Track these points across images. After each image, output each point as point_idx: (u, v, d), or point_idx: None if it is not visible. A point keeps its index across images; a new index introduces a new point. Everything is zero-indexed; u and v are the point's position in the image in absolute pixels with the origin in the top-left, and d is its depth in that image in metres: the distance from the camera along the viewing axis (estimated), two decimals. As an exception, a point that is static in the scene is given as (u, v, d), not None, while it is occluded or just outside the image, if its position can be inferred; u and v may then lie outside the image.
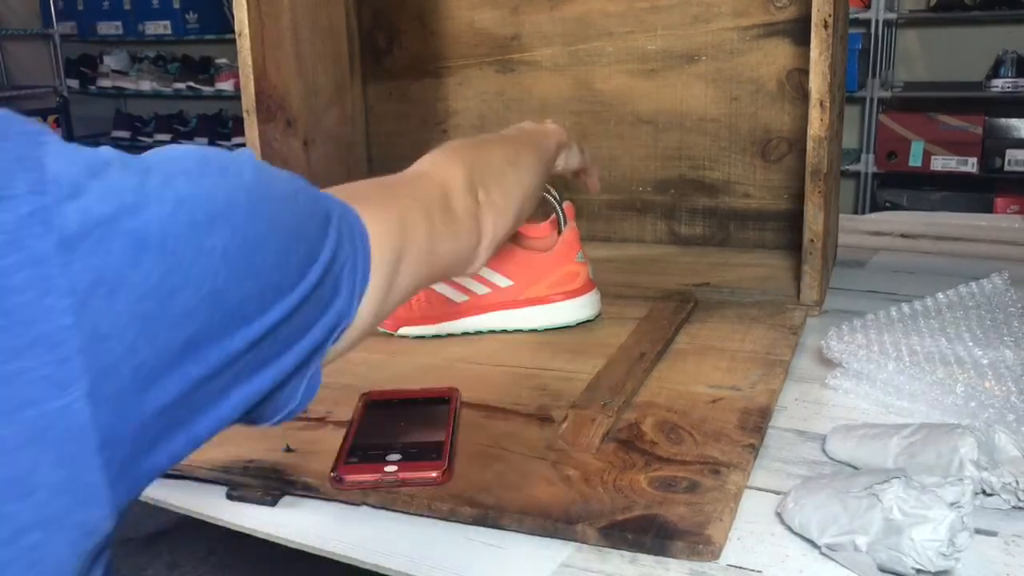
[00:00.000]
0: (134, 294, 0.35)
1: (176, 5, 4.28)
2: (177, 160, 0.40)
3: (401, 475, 0.63)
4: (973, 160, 2.99)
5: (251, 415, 0.44)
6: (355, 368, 0.85)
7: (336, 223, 0.47)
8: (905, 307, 0.86)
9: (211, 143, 4.35)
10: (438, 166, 0.65)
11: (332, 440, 0.70)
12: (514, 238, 0.95)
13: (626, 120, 1.25)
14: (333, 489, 0.64)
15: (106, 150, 0.38)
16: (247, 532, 0.63)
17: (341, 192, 0.52)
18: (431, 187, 0.62)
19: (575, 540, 0.58)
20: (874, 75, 3.10)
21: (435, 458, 0.64)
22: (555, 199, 0.96)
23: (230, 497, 0.66)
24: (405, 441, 0.68)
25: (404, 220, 0.55)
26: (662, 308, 0.96)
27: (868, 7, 3.05)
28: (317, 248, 0.45)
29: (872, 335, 0.79)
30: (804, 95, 0.93)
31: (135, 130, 4.59)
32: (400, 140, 1.37)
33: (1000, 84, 2.92)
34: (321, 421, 0.74)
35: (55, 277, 0.33)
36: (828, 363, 0.80)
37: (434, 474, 0.63)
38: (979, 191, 3.02)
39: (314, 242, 0.45)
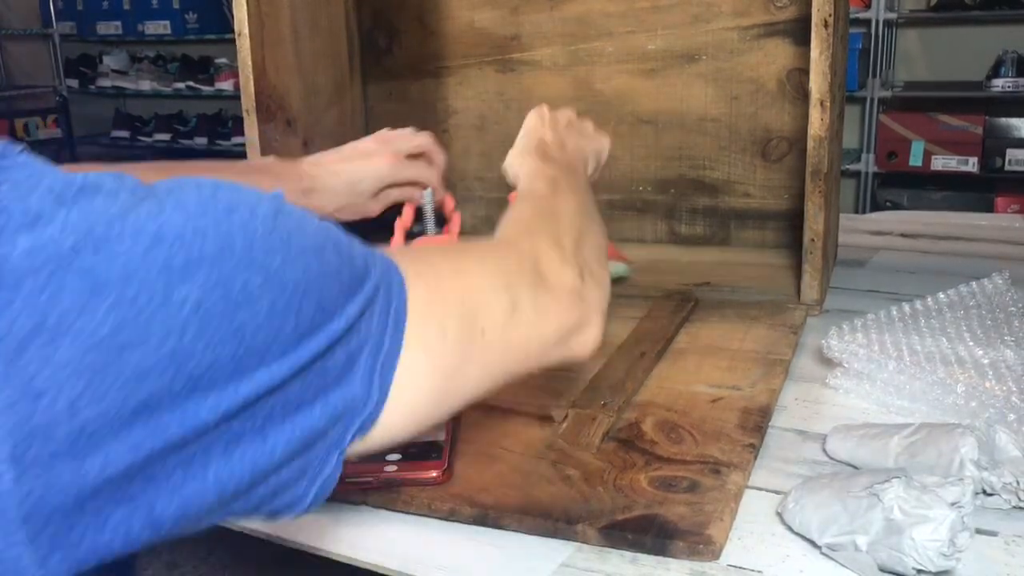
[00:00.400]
0: (80, 345, 0.30)
1: (176, 5, 4.28)
2: (184, 190, 0.35)
3: (401, 474, 0.63)
4: (973, 160, 2.99)
5: (251, 507, 0.38)
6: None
7: (369, 292, 0.41)
8: (906, 307, 0.86)
9: (211, 143, 4.36)
10: (523, 232, 0.57)
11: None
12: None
13: (626, 120, 1.25)
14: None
15: (100, 175, 0.34)
16: (247, 532, 0.63)
17: (403, 256, 0.45)
18: (518, 258, 0.53)
19: (575, 540, 0.58)
20: (874, 75, 3.10)
21: (435, 458, 0.64)
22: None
23: (230, 497, 0.66)
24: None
25: (475, 295, 0.47)
26: (662, 308, 0.96)
27: (868, 7, 3.05)
28: (330, 314, 0.38)
29: (872, 335, 0.79)
30: (804, 95, 0.93)
31: (135, 130, 4.59)
32: (400, 140, 1.37)
33: (1000, 84, 2.92)
34: (321, 421, 0.74)
35: None
36: (828, 363, 0.80)
37: (434, 474, 0.63)
38: (979, 191, 3.02)
39: (328, 306, 0.38)
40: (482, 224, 0.90)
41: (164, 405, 0.32)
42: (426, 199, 0.92)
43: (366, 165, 0.86)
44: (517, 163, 0.75)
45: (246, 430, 0.36)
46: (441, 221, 0.95)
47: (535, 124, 0.79)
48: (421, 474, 0.63)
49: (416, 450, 0.65)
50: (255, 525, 0.63)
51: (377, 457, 0.65)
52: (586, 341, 0.56)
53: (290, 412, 0.37)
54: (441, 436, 0.68)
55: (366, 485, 0.63)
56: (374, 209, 0.89)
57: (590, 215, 0.65)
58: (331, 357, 0.38)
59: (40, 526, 0.30)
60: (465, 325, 0.46)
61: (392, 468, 0.63)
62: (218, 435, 0.35)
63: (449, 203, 0.94)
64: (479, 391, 0.48)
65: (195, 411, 0.33)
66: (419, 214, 0.94)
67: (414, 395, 0.43)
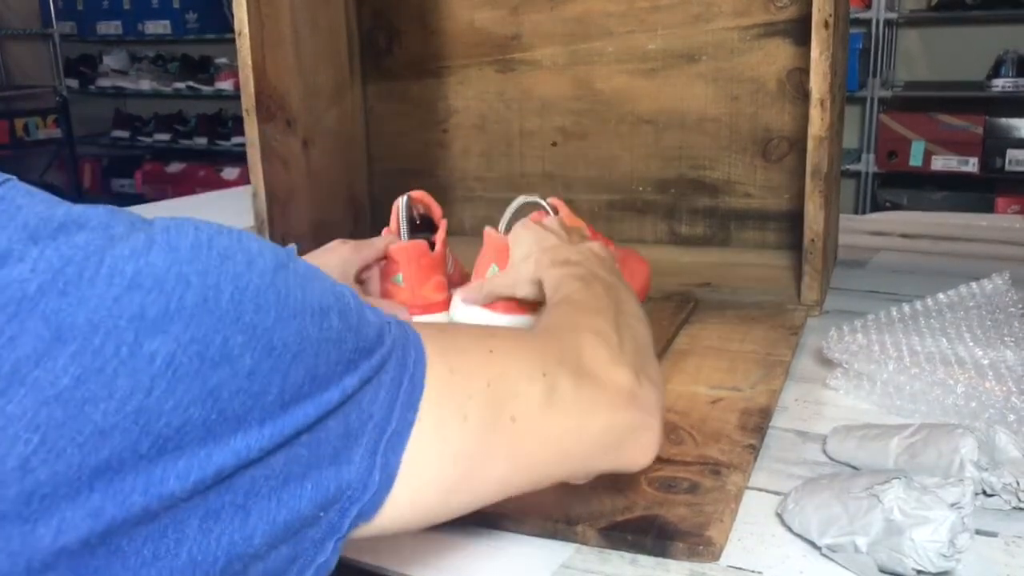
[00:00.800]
0: (37, 397, 0.28)
1: (176, 5, 4.28)
2: (181, 230, 0.32)
3: None
4: (974, 160, 2.99)
5: None
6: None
7: (376, 364, 0.37)
8: (906, 307, 0.86)
9: (210, 143, 4.36)
10: (564, 326, 0.52)
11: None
12: None
13: (626, 120, 1.25)
14: None
15: (87, 209, 0.31)
16: (247, 533, 0.63)
17: (427, 330, 0.41)
18: (559, 346, 0.48)
19: (575, 541, 0.58)
20: (875, 75, 3.10)
21: None
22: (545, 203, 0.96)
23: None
24: None
25: (503, 378, 0.42)
26: (662, 308, 0.96)
27: (869, 7, 3.05)
28: (323, 383, 0.35)
29: (872, 335, 0.79)
30: (805, 95, 0.93)
31: (135, 130, 4.60)
32: (400, 140, 1.37)
33: (1001, 84, 2.92)
34: (321, 421, 0.74)
35: None
36: (828, 363, 0.80)
37: None
38: (980, 191, 3.02)
39: (322, 375, 0.35)
40: (481, 224, 0.89)
41: (127, 468, 0.29)
42: (400, 206, 0.91)
43: (326, 256, 0.81)
44: (534, 279, 0.69)
45: (224, 504, 0.32)
46: (431, 227, 0.93)
47: (534, 238, 0.72)
48: None
49: None
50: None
51: None
52: (645, 447, 0.50)
53: (275, 488, 0.34)
54: None
55: None
56: None
57: (635, 312, 0.60)
58: (323, 430, 0.35)
59: None
60: (491, 411, 0.41)
61: None
62: (192, 508, 0.31)
63: (436, 210, 0.94)
64: (508, 486, 0.43)
65: (161, 477, 0.30)
66: (410, 218, 0.94)
67: (419, 483, 0.39)
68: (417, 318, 0.85)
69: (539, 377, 0.44)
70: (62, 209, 0.31)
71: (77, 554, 0.29)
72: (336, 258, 0.81)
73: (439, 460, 0.39)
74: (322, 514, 0.36)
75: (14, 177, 0.31)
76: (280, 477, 0.34)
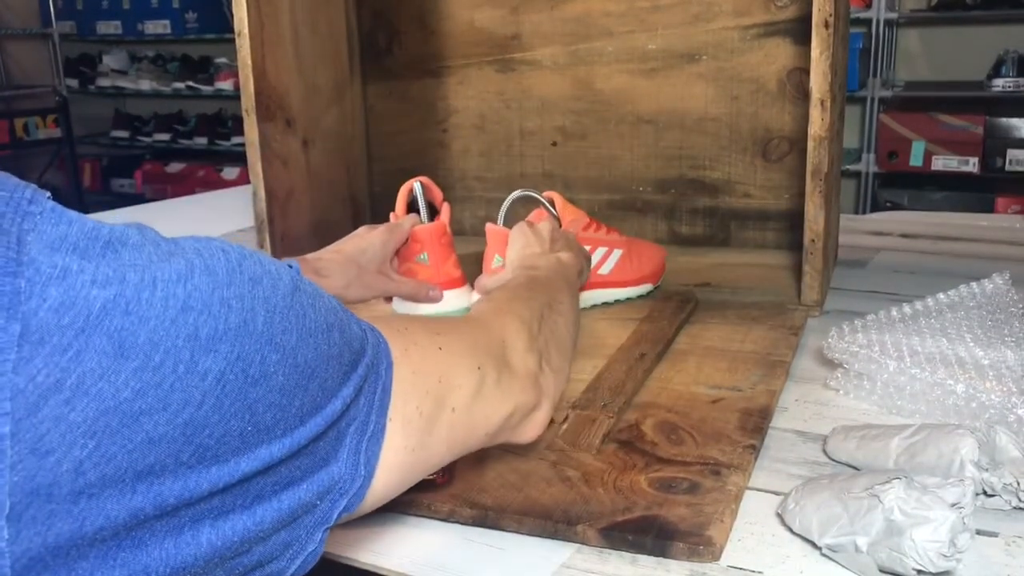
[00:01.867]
0: (98, 407, 0.29)
1: (175, 5, 4.28)
2: (212, 255, 0.34)
3: None
4: (974, 160, 2.99)
5: (242, 559, 0.37)
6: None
7: (362, 373, 0.41)
8: (906, 307, 0.86)
9: (210, 142, 4.36)
10: (495, 311, 0.59)
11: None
12: None
13: (626, 120, 1.25)
14: None
15: (125, 228, 0.33)
16: (246, 533, 0.63)
17: (392, 330, 0.46)
18: (487, 338, 0.55)
19: (575, 541, 0.58)
20: (875, 75, 3.10)
21: None
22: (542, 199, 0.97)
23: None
24: None
25: (450, 375, 0.48)
26: (662, 308, 0.96)
27: (869, 6, 3.05)
28: (330, 395, 0.38)
29: (873, 335, 0.79)
30: (805, 95, 0.93)
31: (134, 129, 4.60)
32: (400, 139, 1.37)
33: (1001, 84, 2.92)
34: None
35: (6, 374, 0.28)
36: (829, 363, 0.80)
37: (433, 476, 0.63)
38: (980, 191, 3.02)
39: (329, 387, 0.38)
40: (481, 224, 0.89)
41: (168, 473, 0.32)
42: (417, 191, 0.96)
43: (364, 238, 0.90)
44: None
45: (236, 506, 0.35)
46: (433, 212, 0.98)
47: (523, 242, 0.82)
48: None
49: None
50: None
51: None
52: (534, 424, 0.56)
53: (279, 490, 0.37)
54: None
55: None
56: (378, 286, 0.91)
57: (564, 312, 0.67)
58: (326, 438, 0.38)
59: None
60: (438, 404, 0.46)
61: None
62: (209, 508, 0.34)
63: (438, 194, 0.98)
64: (439, 464, 0.48)
65: (196, 482, 0.33)
66: (412, 206, 0.97)
67: (388, 471, 0.43)
68: (446, 292, 0.95)
69: (475, 370, 0.50)
70: (104, 226, 0.32)
71: (101, 540, 0.31)
72: (377, 240, 0.89)
73: (403, 451, 0.44)
74: (319, 502, 0.39)
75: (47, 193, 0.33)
76: (285, 482, 0.37)
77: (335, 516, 0.40)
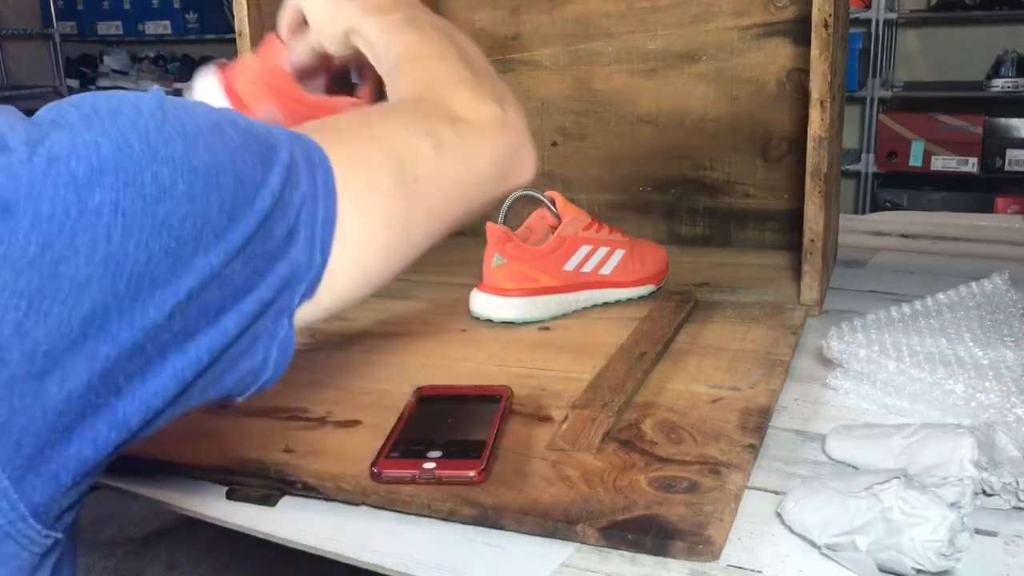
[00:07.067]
0: (12, 268, 0.31)
1: (176, 5, 4.28)
2: (63, 111, 0.35)
3: (438, 472, 0.63)
4: (973, 160, 2.99)
5: (211, 390, 0.39)
6: (353, 367, 0.85)
7: (285, 160, 0.41)
8: (905, 307, 0.86)
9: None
10: (420, 82, 0.55)
11: (332, 440, 0.70)
12: None
13: (626, 120, 1.25)
14: (372, 482, 0.63)
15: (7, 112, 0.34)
16: (247, 532, 0.63)
17: (310, 127, 0.45)
18: (424, 106, 0.53)
19: (575, 540, 0.58)
20: (874, 75, 3.10)
21: (475, 457, 0.64)
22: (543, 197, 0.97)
23: (230, 497, 0.66)
24: (449, 438, 0.67)
25: (396, 147, 0.47)
26: (662, 308, 0.96)
27: (868, 7, 3.05)
28: (254, 189, 0.38)
29: (872, 335, 0.79)
30: (804, 95, 0.93)
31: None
32: (400, 140, 1.37)
33: (1000, 84, 2.92)
34: (321, 421, 0.74)
35: None
36: (828, 363, 0.80)
37: (471, 473, 0.63)
38: (979, 191, 3.02)
39: (249, 182, 0.38)
40: (481, 224, 0.89)
41: (112, 310, 0.33)
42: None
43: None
44: (345, 32, 0.65)
45: (200, 325, 0.36)
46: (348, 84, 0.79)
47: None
48: (459, 472, 0.63)
49: (458, 448, 0.66)
50: (254, 525, 0.63)
51: (418, 453, 0.65)
52: (526, 164, 0.55)
53: (240, 296, 0.38)
54: (484, 435, 0.67)
55: (405, 480, 0.63)
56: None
57: (468, 42, 0.62)
58: (270, 236, 0.39)
59: (10, 449, 0.31)
60: (395, 176, 0.46)
61: (430, 465, 0.63)
62: (173, 330, 0.35)
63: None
64: (430, 238, 0.49)
65: (143, 311, 0.34)
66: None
67: (360, 253, 0.44)
68: None
69: (422, 135, 0.49)
70: None
71: (77, 396, 0.32)
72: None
73: (367, 229, 0.44)
74: (279, 295, 0.40)
75: None
76: (244, 288, 0.38)
77: (296, 301, 0.41)
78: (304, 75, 0.73)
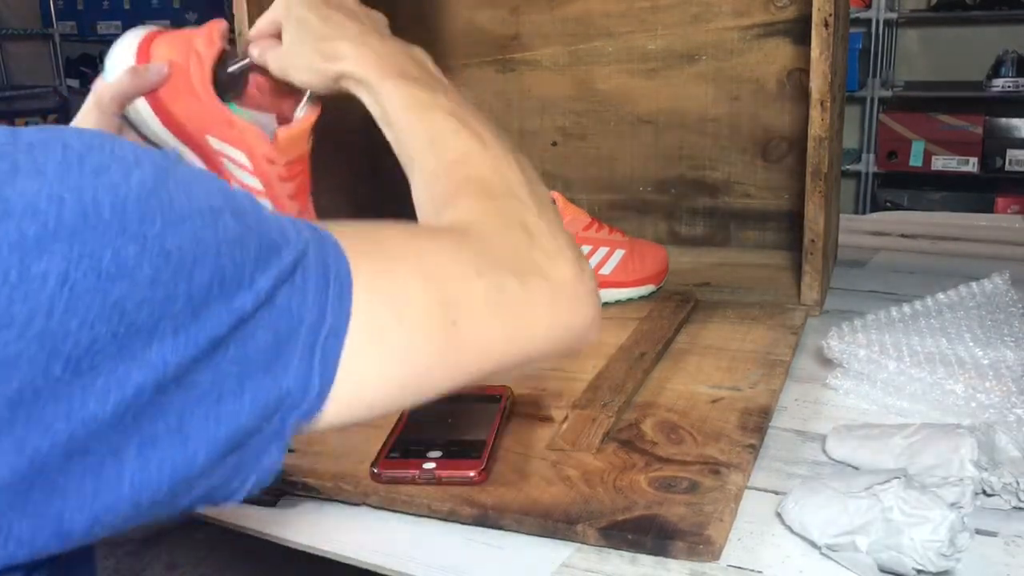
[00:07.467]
0: None
1: (176, 5, 4.28)
2: (47, 149, 0.31)
3: (438, 472, 0.63)
4: (974, 160, 2.99)
5: (178, 509, 0.35)
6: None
7: (287, 264, 0.35)
8: (905, 307, 0.86)
9: (211, 143, 4.35)
10: (491, 213, 0.48)
11: (332, 440, 0.70)
12: None
13: (626, 120, 1.25)
14: (372, 482, 0.64)
15: None
16: (247, 532, 0.63)
17: (343, 230, 0.40)
18: (496, 242, 0.46)
19: (575, 540, 0.58)
20: (875, 75, 3.10)
21: (475, 457, 0.64)
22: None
23: (230, 497, 0.66)
24: (449, 438, 0.67)
25: (441, 280, 0.41)
26: (662, 308, 0.96)
27: (869, 6, 3.05)
28: (233, 285, 0.33)
29: (872, 335, 0.79)
30: (805, 95, 0.93)
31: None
32: (400, 140, 1.37)
33: (1001, 84, 2.92)
34: (321, 421, 0.74)
35: None
36: (828, 363, 0.80)
37: (471, 473, 0.63)
38: (980, 191, 3.02)
39: (230, 281, 0.33)
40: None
41: (44, 394, 0.29)
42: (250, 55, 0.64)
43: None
44: (342, 64, 0.57)
45: (159, 430, 0.32)
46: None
47: (301, 13, 0.59)
48: (459, 473, 0.63)
49: (458, 448, 0.66)
50: (254, 525, 0.63)
51: (418, 453, 0.65)
52: (591, 337, 0.48)
53: (211, 406, 0.33)
54: (484, 435, 0.67)
55: (405, 480, 0.63)
56: None
57: (526, 163, 0.53)
58: (249, 341, 0.34)
59: None
60: (430, 314, 0.40)
61: (430, 465, 0.63)
62: (125, 436, 0.31)
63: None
64: (453, 387, 0.43)
65: (82, 399, 0.30)
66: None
67: (364, 388, 0.38)
68: None
69: (479, 277, 0.42)
70: None
71: (15, 489, 0.29)
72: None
73: (380, 360, 0.38)
74: (264, 424, 0.35)
75: None
76: (213, 395, 0.33)
77: (288, 431, 0.36)
78: (232, 82, 0.64)
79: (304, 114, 0.66)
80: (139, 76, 0.61)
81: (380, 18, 0.62)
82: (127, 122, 0.63)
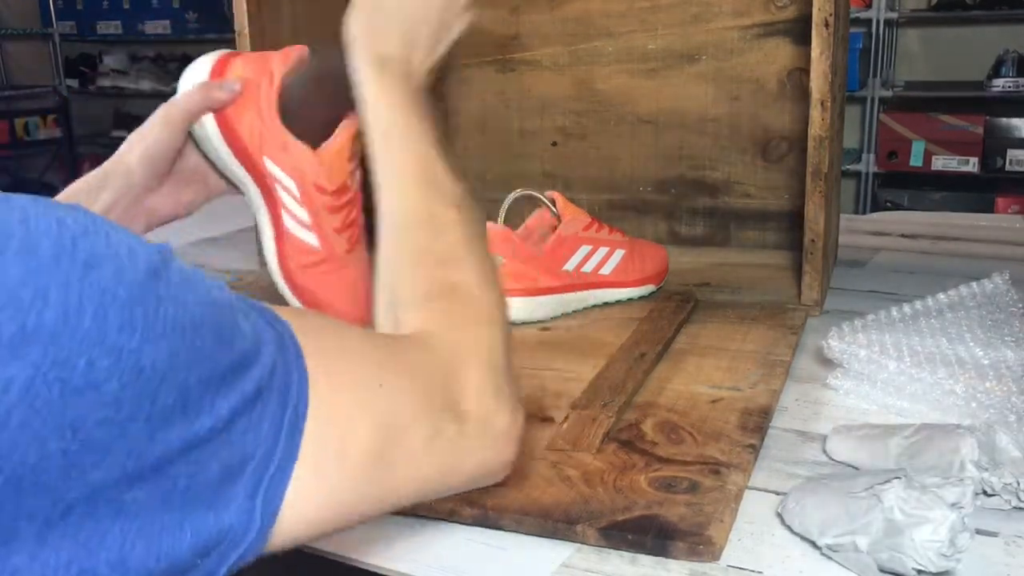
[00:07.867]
0: None
1: (176, 5, 4.28)
2: (37, 226, 0.29)
3: None
4: (974, 160, 2.99)
5: None
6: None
7: (250, 389, 0.34)
8: (906, 307, 0.86)
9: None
10: (447, 328, 0.48)
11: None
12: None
13: (626, 120, 1.25)
14: None
15: None
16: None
17: (313, 341, 0.38)
18: (447, 377, 0.45)
19: (575, 541, 0.58)
20: (875, 74, 3.10)
21: None
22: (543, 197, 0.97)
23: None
24: None
25: (388, 419, 0.40)
26: (662, 308, 0.96)
27: (869, 6, 3.05)
28: (194, 409, 0.31)
29: (873, 335, 0.79)
30: (805, 95, 0.93)
31: (135, 129, 4.59)
32: (400, 140, 1.37)
33: (1001, 84, 2.92)
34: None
35: None
36: (829, 363, 0.80)
37: None
38: (980, 191, 3.02)
39: (192, 403, 0.31)
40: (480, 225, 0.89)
41: None
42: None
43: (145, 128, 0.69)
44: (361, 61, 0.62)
45: (100, 562, 0.29)
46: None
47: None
48: None
49: None
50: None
51: None
52: (506, 471, 0.50)
53: (152, 537, 0.31)
54: None
55: None
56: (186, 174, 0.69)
57: (493, 265, 0.54)
58: (200, 471, 0.32)
59: None
60: (371, 455, 0.39)
61: None
62: (61, 561, 0.29)
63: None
64: (371, 518, 0.42)
65: (13, 516, 0.27)
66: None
67: (299, 523, 0.37)
68: None
69: (424, 421, 0.42)
70: None
71: None
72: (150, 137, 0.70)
73: (316, 501, 0.37)
74: (200, 561, 0.33)
75: None
76: (156, 525, 0.31)
77: (224, 571, 0.34)
78: (297, 103, 0.66)
79: (344, 125, 0.69)
80: (210, 91, 0.64)
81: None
82: (191, 138, 0.66)
